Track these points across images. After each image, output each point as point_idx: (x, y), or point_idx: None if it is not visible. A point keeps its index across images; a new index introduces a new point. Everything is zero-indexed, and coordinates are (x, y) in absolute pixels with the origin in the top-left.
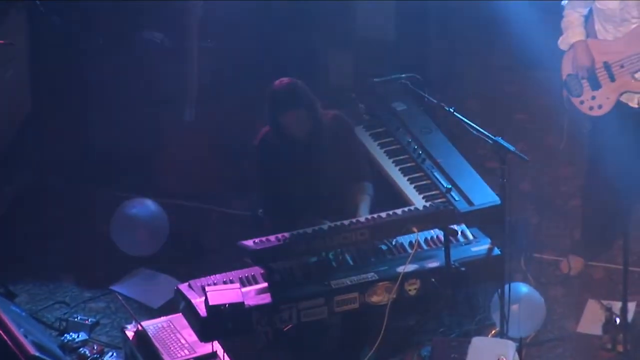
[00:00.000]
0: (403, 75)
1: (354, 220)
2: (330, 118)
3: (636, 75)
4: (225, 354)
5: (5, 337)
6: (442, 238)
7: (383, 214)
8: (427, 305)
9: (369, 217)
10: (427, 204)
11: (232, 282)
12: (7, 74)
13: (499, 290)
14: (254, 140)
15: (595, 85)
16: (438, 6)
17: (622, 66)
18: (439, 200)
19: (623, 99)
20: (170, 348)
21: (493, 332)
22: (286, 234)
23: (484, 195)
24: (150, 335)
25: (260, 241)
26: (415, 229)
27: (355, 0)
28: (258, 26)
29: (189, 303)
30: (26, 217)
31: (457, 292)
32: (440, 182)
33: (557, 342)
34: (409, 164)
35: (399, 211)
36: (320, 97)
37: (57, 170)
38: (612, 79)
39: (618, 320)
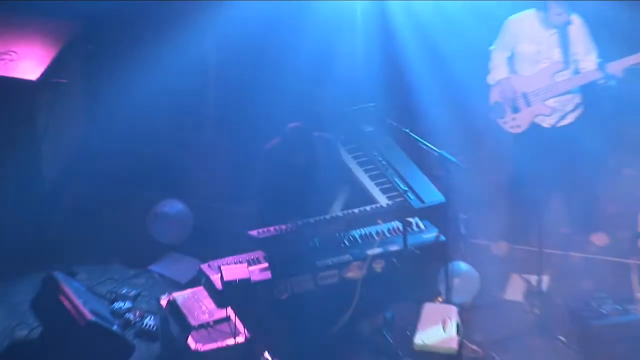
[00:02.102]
0: (372, 104)
1: (334, 214)
2: (321, 140)
3: (546, 103)
4: (236, 317)
5: (68, 306)
6: (401, 228)
7: (356, 210)
8: (392, 282)
9: (346, 212)
10: (390, 202)
11: (241, 262)
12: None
13: (444, 268)
14: (265, 147)
15: (516, 110)
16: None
17: (536, 95)
18: (398, 199)
19: (537, 120)
20: (195, 313)
21: (440, 299)
22: (282, 226)
23: (432, 195)
24: (179, 304)
25: (263, 231)
26: (380, 221)
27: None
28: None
29: (208, 279)
30: (84, 215)
31: (413, 270)
32: (399, 185)
33: (488, 307)
34: (375, 172)
35: (368, 207)
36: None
37: (108, 177)
38: (528, 105)
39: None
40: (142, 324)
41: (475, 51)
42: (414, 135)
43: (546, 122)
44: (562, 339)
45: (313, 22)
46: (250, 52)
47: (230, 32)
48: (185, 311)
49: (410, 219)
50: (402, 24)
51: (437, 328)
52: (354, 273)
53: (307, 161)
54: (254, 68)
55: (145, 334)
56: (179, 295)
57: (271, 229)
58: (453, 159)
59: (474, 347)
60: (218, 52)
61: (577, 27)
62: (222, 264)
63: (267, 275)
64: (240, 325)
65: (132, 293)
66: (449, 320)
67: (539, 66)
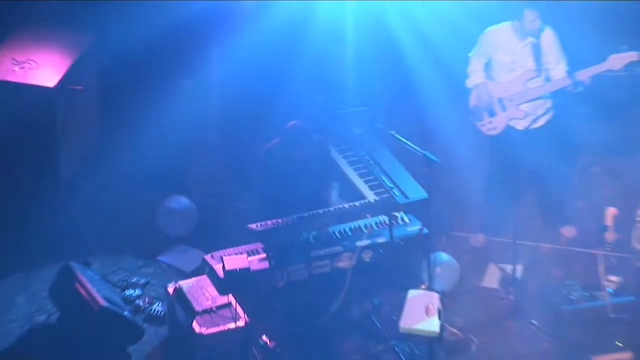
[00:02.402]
0: (361, 108)
1: (326, 209)
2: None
3: (520, 107)
4: (237, 303)
5: (83, 293)
6: (387, 221)
7: (346, 205)
8: (379, 270)
9: (337, 207)
10: (377, 198)
11: (241, 253)
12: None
13: (427, 258)
14: (264, 148)
15: (492, 113)
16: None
17: (510, 100)
18: (385, 195)
19: (511, 123)
20: (199, 299)
21: (423, 286)
22: (279, 220)
23: (416, 191)
24: (185, 291)
25: (261, 224)
26: (368, 215)
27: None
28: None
29: (211, 268)
30: (98, 210)
31: (399, 260)
32: (385, 182)
33: (467, 294)
34: (363, 170)
35: (357, 203)
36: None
37: (120, 176)
38: (503, 109)
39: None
40: (151, 309)
41: (455, 63)
42: (400, 137)
43: (520, 125)
44: (535, 322)
45: (309, 33)
46: (251, 59)
47: (232, 41)
48: (190, 298)
49: (396, 214)
50: (389, 34)
51: (420, 313)
52: (344, 263)
53: (306, 156)
54: (254, 74)
55: (154, 319)
56: (185, 283)
57: (269, 222)
58: (435, 158)
59: (454, 330)
60: (221, 62)
61: (549, 39)
62: (224, 255)
63: (265, 265)
64: (240, 311)
65: (142, 281)
66: (431, 306)
67: (513, 74)
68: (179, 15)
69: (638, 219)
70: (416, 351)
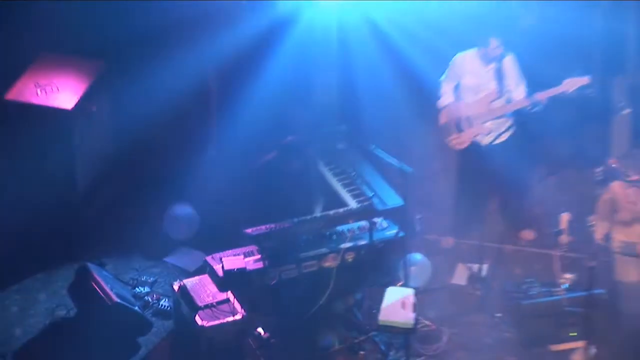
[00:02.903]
0: (343, 126)
1: (314, 215)
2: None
3: (485, 125)
4: (235, 299)
5: (99, 290)
6: (367, 226)
7: (331, 212)
8: (360, 270)
9: (323, 213)
10: (358, 205)
11: (238, 255)
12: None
13: (403, 258)
14: (260, 161)
15: (460, 130)
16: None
17: (476, 118)
18: (366, 202)
19: (477, 138)
20: (201, 296)
21: (399, 284)
22: (272, 225)
23: (393, 199)
24: (188, 288)
25: (256, 229)
26: (351, 221)
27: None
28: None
29: (212, 268)
30: (111, 216)
31: (378, 260)
32: (366, 191)
33: (439, 290)
34: (346, 181)
35: (341, 210)
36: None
37: (131, 185)
38: (470, 126)
39: (477, 275)
40: (159, 305)
41: (428, 86)
42: (378, 151)
43: (484, 140)
44: (499, 315)
45: (299, 61)
46: (246, 84)
47: (227, 69)
48: (193, 294)
49: (375, 219)
50: (370, 60)
51: (397, 307)
52: (330, 263)
53: (299, 168)
54: (249, 98)
55: (161, 313)
56: (188, 282)
57: (263, 227)
58: (410, 169)
59: (427, 322)
60: (220, 86)
61: (510, 64)
62: (223, 256)
63: (260, 265)
64: (237, 306)
65: (150, 280)
66: (407, 301)
67: (478, 95)
68: (182, 43)
69: (588, 224)
70: (393, 341)
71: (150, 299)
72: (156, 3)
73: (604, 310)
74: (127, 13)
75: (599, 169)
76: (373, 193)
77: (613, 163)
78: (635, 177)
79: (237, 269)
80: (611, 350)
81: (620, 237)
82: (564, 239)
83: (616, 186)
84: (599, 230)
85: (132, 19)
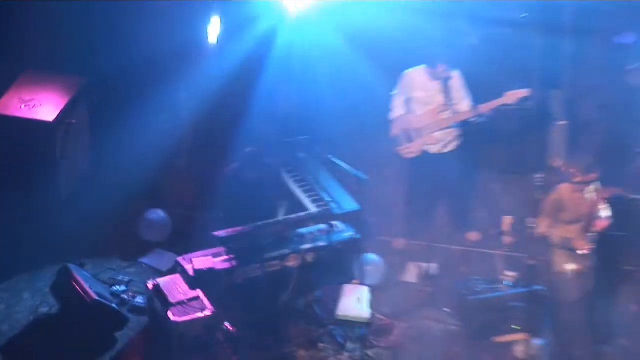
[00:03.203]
0: (303, 137)
1: (277, 219)
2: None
3: (433, 135)
4: (204, 296)
5: (79, 289)
6: (326, 229)
7: (294, 216)
8: (320, 269)
9: (285, 217)
10: (318, 210)
11: (207, 255)
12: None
13: (359, 258)
14: (226, 170)
15: (410, 140)
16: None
17: (426, 129)
18: (324, 207)
19: (426, 148)
20: (173, 293)
21: (356, 281)
22: (239, 228)
23: (349, 204)
24: (161, 287)
25: (224, 232)
26: (311, 224)
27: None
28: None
29: (183, 268)
30: (90, 220)
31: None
32: (324, 197)
33: (392, 287)
34: (306, 187)
35: (302, 214)
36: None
37: (108, 192)
38: (419, 136)
39: (426, 273)
40: (134, 302)
41: (382, 99)
42: (336, 160)
43: (433, 149)
44: (447, 309)
45: (261, 74)
46: (213, 97)
47: (200, 85)
48: (166, 292)
49: (333, 222)
50: (329, 76)
51: (354, 303)
52: (292, 263)
53: (258, 176)
54: (215, 110)
55: (136, 310)
56: (161, 280)
57: (230, 230)
58: (365, 177)
59: (381, 316)
60: (192, 101)
61: (456, 79)
62: (194, 257)
63: (227, 265)
64: (207, 303)
65: (126, 279)
66: (362, 297)
67: (427, 108)
68: (153, 61)
69: (529, 226)
70: (350, 334)
71: (126, 297)
72: (132, 29)
73: (543, 303)
74: (108, 33)
75: (538, 175)
76: (331, 198)
77: (561, 166)
78: (579, 179)
79: (207, 269)
80: (552, 339)
81: (560, 233)
82: (507, 239)
83: (564, 188)
84: (542, 225)
85: (112, 39)
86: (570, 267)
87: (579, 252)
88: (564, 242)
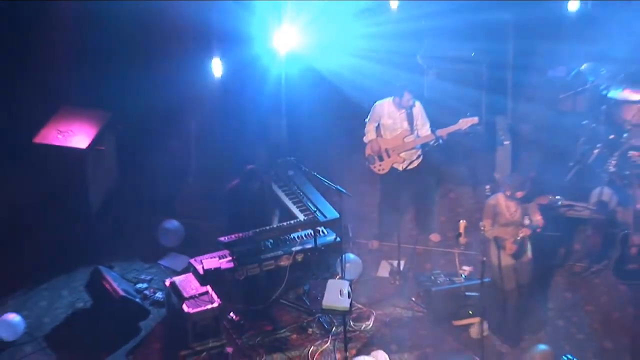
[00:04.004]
0: (292, 158)
1: (271, 226)
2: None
3: (400, 155)
4: (213, 291)
5: (108, 287)
6: (312, 233)
7: (285, 223)
8: (308, 267)
9: (278, 224)
10: (305, 218)
11: (214, 257)
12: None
13: (340, 257)
14: (228, 186)
15: (381, 159)
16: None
17: (393, 150)
18: (310, 215)
19: (394, 165)
20: (186, 289)
21: (337, 277)
22: (241, 234)
23: (331, 212)
24: (177, 284)
25: (228, 238)
26: (299, 229)
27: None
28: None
29: (195, 268)
30: (118, 230)
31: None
32: (310, 207)
33: (367, 281)
34: (295, 199)
35: (292, 222)
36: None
37: (132, 206)
38: (388, 156)
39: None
40: (154, 297)
41: (356, 126)
42: (320, 176)
43: (400, 167)
44: (414, 299)
45: (255, 107)
46: (215, 127)
47: (206, 116)
48: (180, 288)
49: (318, 228)
50: (311, 109)
51: (336, 295)
52: (284, 262)
53: (257, 188)
54: (218, 137)
55: (156, 303)
56: (177, 279)
57: (233, 236)
58: (344, 190)
59: (359, 305)
60: (199, 129)
61: (418, 108)
62: (203, 259)
63: (231, 265)
64: (215, 296)
65: (148, 278)
66: (344, 290)
67: (394, 133)
68: (167, 97)
69: (481, 229)
70: (334, 321)
71: (148, 293)
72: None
73: (492, 292)
74: (130, 75)
75: (487, 187)
76: (316, 208)
77: (499, 179)
78: (509, 193)
79: (214, 268)
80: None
81: (496, 233)
82: (462, 240)
83: (500, 197)
84: (486, 226)
85: (133, 80)
86: (505, 261)
87: (508, 251)
88: (499, 241)
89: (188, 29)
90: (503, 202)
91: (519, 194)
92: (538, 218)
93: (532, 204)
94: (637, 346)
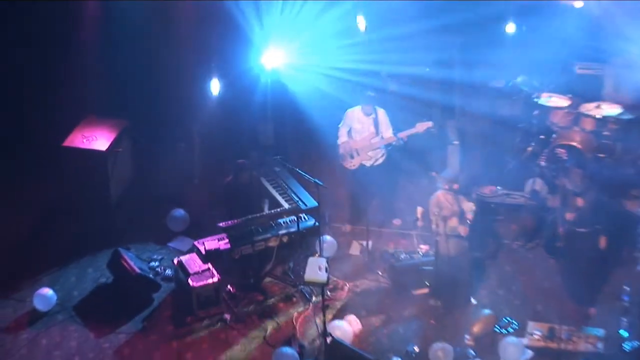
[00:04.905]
0: (278, 157)
1: (261, 214)
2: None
3: (367, 153)
4: (213, 268)
5: (126, 265)
6: (296, 219)
7: (272, 211)
8: (292, 247)
9: (267, 212)
10: (289, 206)
11: (214, 240)
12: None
13: (319, 239)
14: (225, 180)
15: (352, 157)
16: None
17: (362, 150)
18: (293, 204)
19: (363, 162)
20: (191, 266)
21: (316, 255)
22: (235, 220)
23: (311, 202)
24: (183, 262)
25: (226, 223)
26: (285, 216)
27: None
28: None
29: (198, 249)
30: (134, 217)
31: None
32: (293, 197)
33: (341, 258)
34: (280, 190)
35: (279, 209)
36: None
37: (145, 198)
38: (358, 155)
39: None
40: (165, 273)
41: (332, 131)
42: (301, 172)
43: (368, 163)
44: (380, 273)
45: (244, 116)
46: (217, 132)
47: (207, 123)
48: (186, 266)
49: (300, 214)
50: (295, 116)
51: (316, 270)
52: (272, 243)
53: (248, 180)
54: (218, 141)
55: (167, 279)
56: (183, 258)
57: (230, 222)
58: (321, 183)
59: (335, 279)
60: (201, 133)
61: (382, 115)
62: (205, 241)
63: (228, 246)
64: (215, 272)
65: (159, 257)
66: (322, 266)
67: (363, 135)
68: (174, 107)
69: (434, 216)
70: (314, 291)
71: (159, 270)
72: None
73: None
74: (144, 89)
75: (433, 173)
76: (298, 198)
77: (436, 178)
78: (447, 187)
79: (214, 249)
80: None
81: (441, 225)
82: (419, 223)
83: (439, 194)
84: (433, 220)
85: (146, 93)
86: (450, 250)
87: (462, 234)
88: (452, 230)
89: (192, 50)
90: (442, 197)
91: (455, 186)
92: (469, 204)
93: (461, 196)
94: (563, 309)
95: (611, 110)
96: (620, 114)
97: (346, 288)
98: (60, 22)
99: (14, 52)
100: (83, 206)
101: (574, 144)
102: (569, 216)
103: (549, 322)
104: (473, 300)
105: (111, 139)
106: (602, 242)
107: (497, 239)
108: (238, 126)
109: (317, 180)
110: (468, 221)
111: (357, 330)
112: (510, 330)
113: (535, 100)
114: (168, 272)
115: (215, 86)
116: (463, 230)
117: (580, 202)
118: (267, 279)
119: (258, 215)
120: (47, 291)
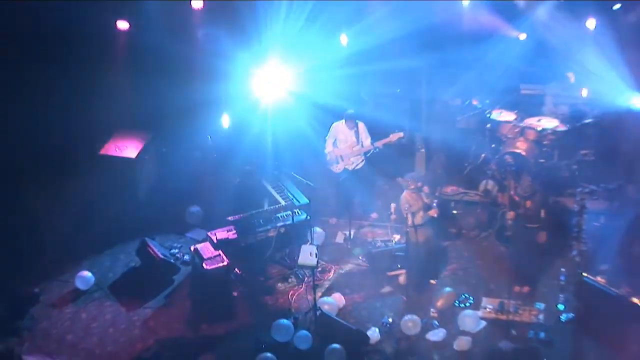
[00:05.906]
0: (276, 162)
1: (262, 209)
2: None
3: (350, 159)
4: (223, 254)
5: (152, 252)
6: (291, 214)
7: (272, 207)
8: (287, 236)
9: (267, 207)
10: (285, 203)
11: (224, 231)
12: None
13: (310, 230)
14: (234, 182)
15: (337, 162)
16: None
17: (345, 157)
18: (289, 201)
19: (346, 167)
20: (206, 252)
21: (308, 243)
22: (242, 214)
23: (303, 199)
24: (199, 249)
25: (233, 217)
26: (282, 211)
27: None
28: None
29: (211, 238)
30: (158, 212)
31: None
32: (288, 195)
33: (329, 245)
34: (278, 190)
35: (277, 206)
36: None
37: (167, 195)
38: (342, 160)
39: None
40: (183, 258)
41: (321, 141)
42: (295, 175)
43: (350, 167)
44: (361, 257)
45: (249, 131)
46: (223, 144)
47: (218, 135)
48: (201, 252)
49: (295, 210)
50: (289, 131)
51: (308, 255)
52: (272, 234)
53: (252, 183)
54: (228, 149)
55: (185, 263)
56: (199, 245)
57: (237, 216)
58: (311, 183)
59: (323, 262)
60: (214, 144)
61: (362, 127)
62: (217, 232)
63: (236, 236)
64: (225, 257)
65: (179, 245)
66: (312, 252)
67: (346, 144)
68: (191, 123)
69: (405, 211)
70: (306, 273)
71: (179, 256)
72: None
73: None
74: (166, 105)
75: (400, 179)
76: (292, 196)
77: (401, 181)
78: (413, 187)
79: (224, 238)
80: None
81: (410, 218)
82: (393, 217)
83: (405, 194)
84: (405, 214)
85: (167, 109)
86: (418, 238)
87: (435, 216)
88: (422, 219)
89: (208, 79)
90: (409, 196)
91: (419, 184)
92: (430, 199)
93: (422, 194)
94: (510, 288)
95: (550, 123)
96: (557, 126)
97: (333, 270)
98: (107, 52)
99: (62, 83)
100: (116, 203)
101: (520, 151)
102: (511, 215)
103: (499, 298)
104: (432, 281)
105: (139, 148)
106: (543, 236)
107: (457, 229)
108: (244, 138)
109: (308, 181)
110: (435, 206)
111: (341, 305)
112: (468, 304)
113: (488, 115)
114: (186, 257)
115: (225, 110)
116: (434, 212)
117: (529, 204)
118: (268, 263)
119: (260, 210)
120: (87, 273)
